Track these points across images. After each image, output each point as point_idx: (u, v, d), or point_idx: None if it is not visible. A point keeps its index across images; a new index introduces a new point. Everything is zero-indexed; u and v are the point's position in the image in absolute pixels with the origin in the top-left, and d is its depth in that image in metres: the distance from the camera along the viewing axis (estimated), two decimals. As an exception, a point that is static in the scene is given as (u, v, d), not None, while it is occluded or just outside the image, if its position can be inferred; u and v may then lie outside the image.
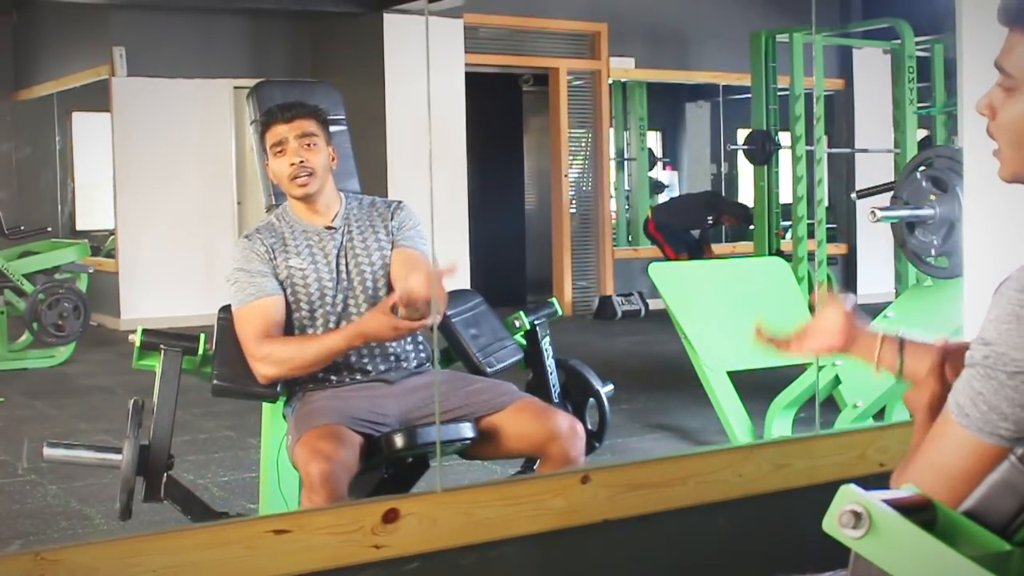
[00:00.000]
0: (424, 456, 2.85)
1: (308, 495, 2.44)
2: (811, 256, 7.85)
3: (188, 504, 2.84)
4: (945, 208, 4.30)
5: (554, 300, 3.32)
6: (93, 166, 10.50)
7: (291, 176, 2.83)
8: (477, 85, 9.53)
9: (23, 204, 10.55)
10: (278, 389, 2.82)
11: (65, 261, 7.69)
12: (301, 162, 2.82)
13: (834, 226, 11.04)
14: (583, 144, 10.35)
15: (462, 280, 8.68)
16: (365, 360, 2.81)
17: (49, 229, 8.85)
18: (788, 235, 8.60)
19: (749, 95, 8.72)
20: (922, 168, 4.43)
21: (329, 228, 2.88)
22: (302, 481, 2.49)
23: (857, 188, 8.55)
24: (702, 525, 2.37)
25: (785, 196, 8.54)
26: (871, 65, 10.54)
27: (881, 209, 4.44)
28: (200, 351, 2.85)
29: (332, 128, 2.97)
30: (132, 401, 2.71)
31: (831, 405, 4.58)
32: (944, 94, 8.36)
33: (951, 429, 1.29)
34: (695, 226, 10.06)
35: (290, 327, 2.82)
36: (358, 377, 2.80)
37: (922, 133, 8.34)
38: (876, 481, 1.27)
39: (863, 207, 8.95)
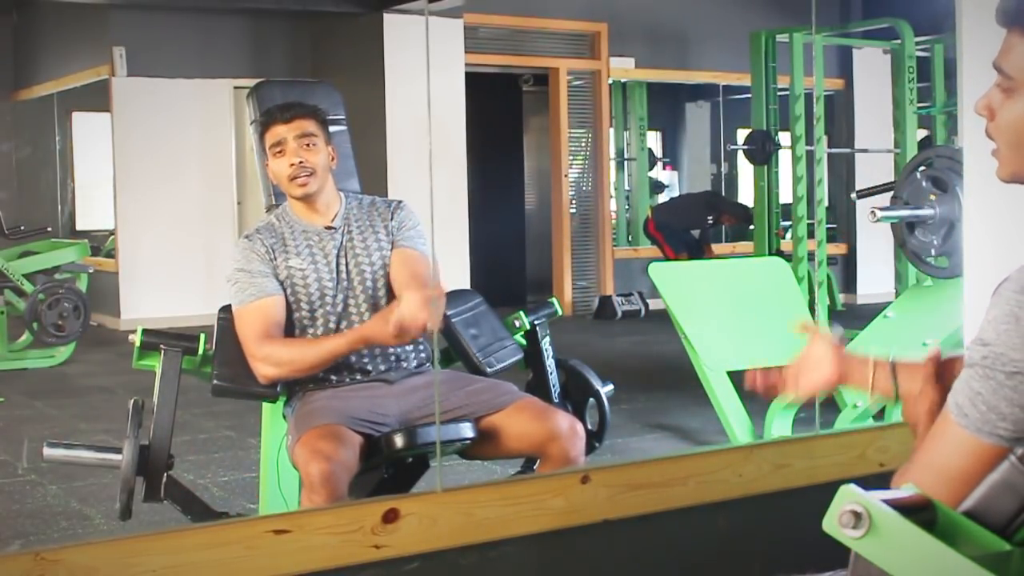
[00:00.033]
0: (424, 456, 2.85)
1: (308, 495, 2.44)
2: (811, 256, 7.84)
3: (188, 504, 2.84)
4: (945, 208, 4.30)
5: (554, 300, 3.32)
6: (93, 166, 10.50)
7: (291, 176, 2.83)
8: (477, 85, 9.53)
9: (23, 204, 10.55)
10: (278, 389, 2.82)
11: (65, 261, 7.69)
12: (301, 162, 2.82)
13: (834, 226, 11.04)
14: (583, 144, 10.35)
15: (462, 280, 8.69)
16: (365, 360, 2.81)
17: (49, 229, 8.86)
18: (788, 235, 8.60)
19: (749, 95, 8.72)
20: (922, 168, 4.43)
21: (329, 228, 2.88)
22: (302, 481, 2.49)
23: (857, 188, 8.55)
24: (702, 525, 2.37)
25: (785, 196, 8.54)
26: (871, 65, 10.54)
27: (881, 209, 4.44)
28: (200, 351, 2.85)
29: (332, 128, 2.97)
30: (132, 401, 2.71)
31: (831, 405, 4.57)
32: (944, 94, 8.35)
33: (950, 429, 1.29)
34: (695, 226, 10.06)
35: (290, 327, 2.82)
36: (358, 377, 2.80)
37: (922, 133, 8.34)
38: (876, 481, 1.27)
39: (863, 207, 8.95)
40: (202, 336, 2.85)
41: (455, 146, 9.15)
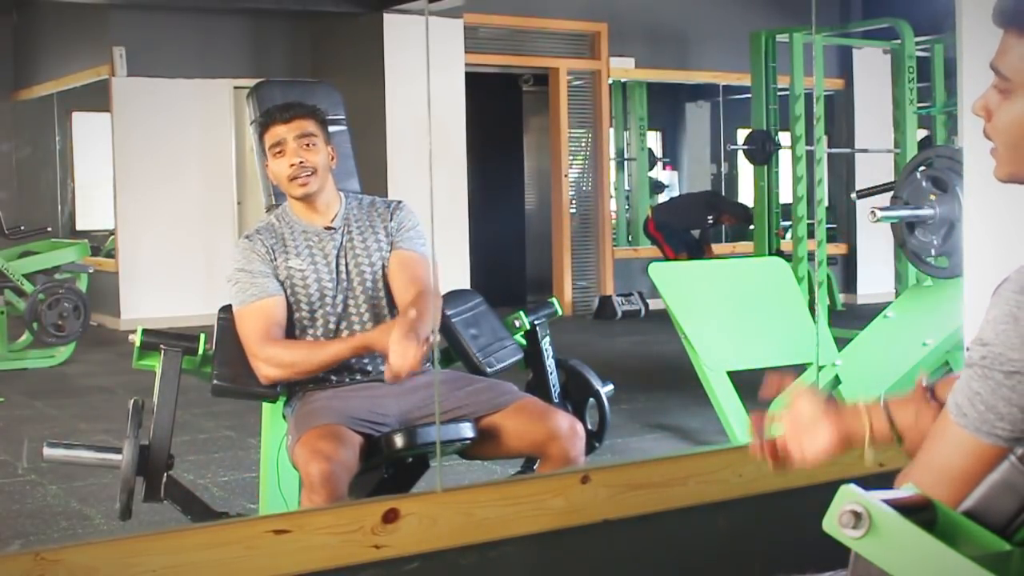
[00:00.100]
0: (424, 456, 2.85)
1: (308, 495, 2.44)
2: (811, 256, 7.84)
3: (188, 504, 2.84)
4: (945, 208, 4.30)
5: (554, 300, 3.32)
6: (93, 166, 10.50)
7: (291, 176, 2.83)
8: (477, 85, 9.53)
9: (23, 204, 10.55)
10: (278, 389, 2.82)
11: (65, 261, 7.69)
12: (301, 162, 2.82)
13: (834, 226, 11.03)
14: (583, 144, 10.35)
15: (462, 280, 8.69)
16: (365, 360, 2.81)
17: (49, 229, 8.85)
18: (788, 235, 8.60)
19: (749, 95, 8.72)
20: (922, 168, 4.43)
21: (329, 228, 2.88)
22: (302, 481, 2.49)
23: (857, 188, 8.55)
24: (702, 525, 2.38)
25: (785, 196, 8.53)
26: (871, 65, 10.54)
27: (881, 209, 4.44)
28: (200, 351, 2.85)
29: (332, 128, 2.97)
30: (132, 401, 2.71)
31: (831, 405, 4.57)
32: (944, 94, 8.35)
33: (950, 429, 1.29)
34: (695, 226, 10.06)
35: (290, 328, 2.82)
36: (358, 377, 2.81)
37: (922, 133, 8.34)
38: (876, 481, 1.27)
39: (863, 207, 8.95)
40: (202, 336, 2.85)
41: (455, 146, 9.15)
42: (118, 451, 2.69)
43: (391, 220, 2.92)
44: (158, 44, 9.39)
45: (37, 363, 7.45)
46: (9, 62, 10.77)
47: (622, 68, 10.42)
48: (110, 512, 3.53)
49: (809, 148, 7.57)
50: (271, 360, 2.74)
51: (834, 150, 10.48)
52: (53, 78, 10.29)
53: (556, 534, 2.19)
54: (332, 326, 2.82)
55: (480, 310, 3.15)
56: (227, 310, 2.86)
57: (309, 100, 2.99)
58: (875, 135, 10.18)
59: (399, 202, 2.98)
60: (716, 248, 10.23)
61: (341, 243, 2.87)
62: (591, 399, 3.17)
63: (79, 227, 10.83)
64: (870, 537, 1.15)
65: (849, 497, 1.17)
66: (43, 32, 10.45)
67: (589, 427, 3.09)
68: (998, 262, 2.62)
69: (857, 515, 1.15)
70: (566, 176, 10.16)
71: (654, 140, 12.09)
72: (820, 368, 4.46)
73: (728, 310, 4.54)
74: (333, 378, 2.79)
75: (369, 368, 2.81)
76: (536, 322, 3.17)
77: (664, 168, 12.46)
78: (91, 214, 10.96)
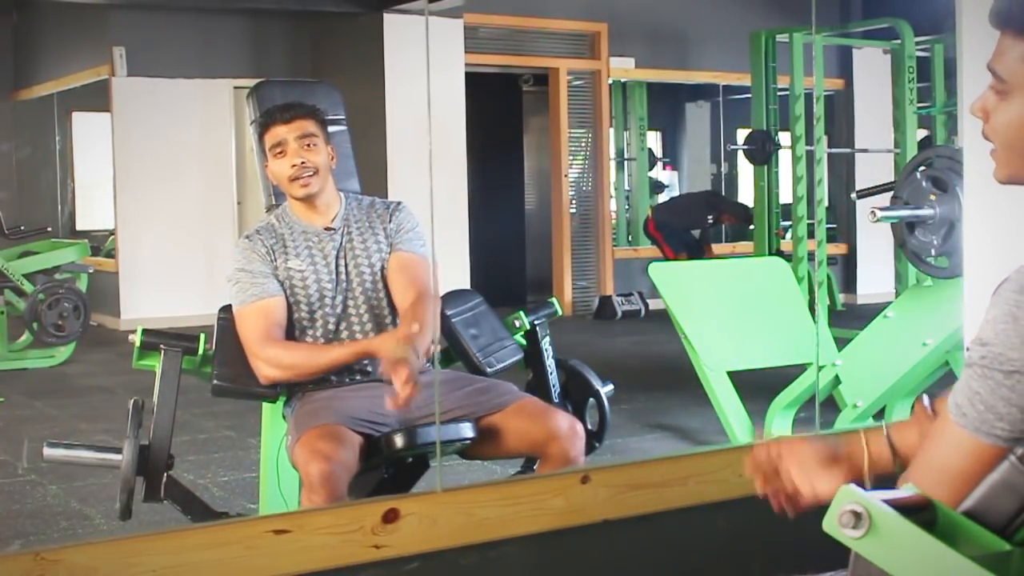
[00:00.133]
0: (424, 456, 2.85)
1: (308, 495, 2.44)
2: (811, 256, 7.85)
3: (188, 504, 2.84)
4: (945, 208, 4.30)
5: (554, 300, 3.32)
6: (93, 166, 10.50)
7: (293, 177, 2.83)
8: (477, 85, 9.53)
9: (23, 204, 10.55)
10: (278, 389, 2.82)
11: (65, 261, 7.69)
12: (303, 163, 2.82)
13: (834, 226, 11.04)
14: (583, 144, 10.35)
15: (462, 280, 8.69)
16: (365, 361, 2.81)
17: (49, 229, 8.86)
18: (788, 235, 8.60)
19: (749, 95, 8.72)
20: (922, 168, 4.42)
21: (328, 229, 2.88)
22: (302, 481, 2.49)
23: (857, 188, 8.55)
24: (702, 525, 2.37)
25: (785, 196, 8.54)
26: (871, 65, 10.54)
27: (881, 209, 4.44)
28: (200, 351, 2.85)
29: (332, 128, 2.97)
30: (132, 401, 2.71)
31: (831, 405, 4.58)
32: (944, 94, 8.36)
33: (949, 429, 1.29)
34: (695, 226, 10.06)
35: (289, 328, 2.82)
36: (358, 377, 2.81)
37: (922, 133, 8.34)
38: (876, 481, 1.27)
39: (863, 207, 8.96)
40: (202, 336, 2.85)
41: (455, 146, 9.15)
42: (118, 451, 2.69)
43: (390, 222, 2.92)
44: (158, 44, 9.39)
45: (37, 363, 7.46)
46: (9, 62, 10.77)
47: (622, 68, 10.42)
48: (110, 512, 3.53)
49: (809, 148, 7.58)
50: (272, 361, 2.74)
51: (834, 150, 10.48)
52: (53, 78, 10.29)
53: (556, 534, 2.19)
54: (331, 327, 2.82)
55: (480, 310, 3.15)
56: (227, 310, 2.86)
57: (309, 100, 2.99)
58: (875, 135, 10.19)
59: (398, 203, 2.98)
60: (716, 248, 10.23)
61: (341, 244, 2.87)
62: (591, 399, 3.17)
63: (79, 227, 10.84)
64: (870, 537, 1.15)
65: (849, 497, 1.17)
66: (43, 32, 10.45)
67: (589, 427, 3.09)
68: (998, 262, 2.62)
69: (857, 515, 1.15)
70: (566, 176, 10.16)
71: (654, 140, 12.09)
72: (820, 368, 4.46)
73: (728, 310, 4.54)
74: (333, 378, 2.79)
75: (369, 368, 2.81)
76: (536, 322, 3.17)
77: (664, 168, 12.46)
78: (91, 214, 10.96)
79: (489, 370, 3.00)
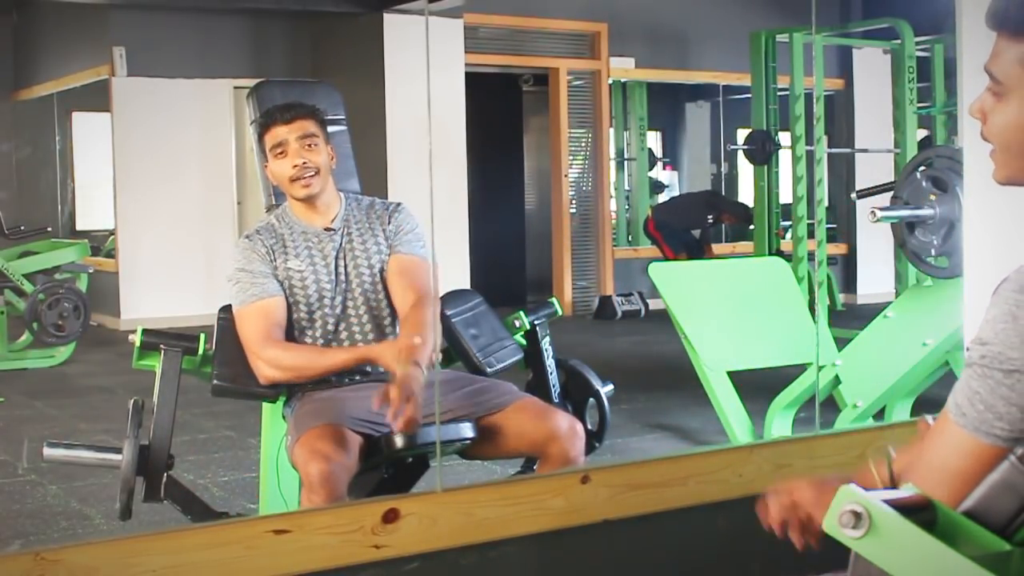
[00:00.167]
0: (424, 456, 2.85)
1: (308, 495, 2.44)
2: (811, 256, 7.85)
3: (188, 504, 2.84)
4: (945, 208, 4.30)
5: (554, 300, 3.32)
6: (93, 166, 10.50)
7: (294, 177, 2.82)
8: (477, 85, 9.53)
9: (23, 204, 10.55)
10: (278, 389, 2.82)
11: (65, 261, 7.69)
12: (304, 163, 2.82)
13: (834, 226, 11.04)
14: (583, 144, 10.35)
15: (462, 280, 8.69)
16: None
17: (49, 229, 8.86)
18: (788, 235, 8.60)
19: (749, 95, 8.72)
20: (922, 168, 4.43)
21: (328, 229, 2.88)
22: (302, 481, 2.49)
23: (857, 188, 8.55)
24: (702, 525, 2.38)
25: (785, 196, 8.54)
26: (871, 65, 10.54)
27: (881, 209, 4.44)
28: (200, 351, 2.85)
29: (332, 128, 2.97)
30: (132, 401, 2.71)
31: (831, 405, 4.58)
32: (944, 94, 8.36)
33: (949, 429, 1.29)
34: (695, 226, 10.06)
35: (289, 328, 2.82)
36: (358, 377, 2.80)
37: (922, 133, 8.34)
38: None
39: (863, 207, 8.95)
40: (202, 336, 2.85)
41: (455, 146, 9.15)
42: (118, 451, 2.69)
43: (389, 223, 2.91)
44: (158, 44, 9.39)
45: (37, 363, 7.45)
46: (9, 62, 10.77)
47: (622, 68, 10.42)
48: (110, 512, 3.53)
49: (809, 148, 7.58)
50: (272, 362, 2.74)
51: (834, 150, 10.48)
52: (53, 78, 10.29)
53: (556, 534, 2.19)
54: (331, 327, 2.82)
55: (480, 310, 3.15)
56: (227, 310, 2.86)
57: (309, 100, 2.99)
58: (875, 135, 10.19)
59: (398, 204, 2.97)
60: (716, 248, 10.23)
61: (340, 244, 2.87)
62: (591, 399, 3.17)
63: (79, 227, 10.83)
64: (870, 537, 1.15)
65: (849, 497, 1.17)
66: (43, 32, 10.45)
67: (589, 427, 3.09)
68: (998, 262, 2.62)
69: (857, 515, 1.16)
70: (566, 176, 10.16)
71: (654, 140, 12.09)
72: (820, 368, 4.46)
73: (728, 310, 4.54)
74: (333, 378, 2.79)
75: (368, 368, 2.81)
76: (536, 322, 3.17)
77: (664, 168, 12.46)
78: (91, 214, 10.96)
79: (489, 370, 2.99)
